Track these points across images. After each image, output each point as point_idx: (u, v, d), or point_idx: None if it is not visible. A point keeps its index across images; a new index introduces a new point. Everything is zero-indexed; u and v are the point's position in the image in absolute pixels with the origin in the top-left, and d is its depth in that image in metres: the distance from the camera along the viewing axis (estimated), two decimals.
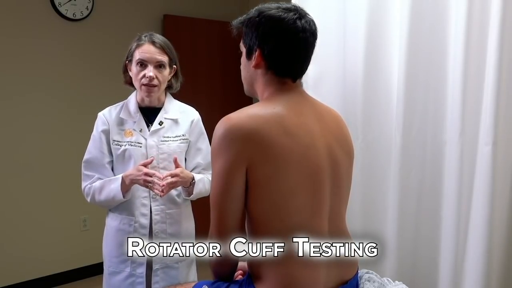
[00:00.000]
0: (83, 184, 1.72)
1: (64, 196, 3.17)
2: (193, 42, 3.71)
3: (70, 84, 3.20)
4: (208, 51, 3.81)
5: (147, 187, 1.61)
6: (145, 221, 1.69)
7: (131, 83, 1.75)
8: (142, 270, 1.70)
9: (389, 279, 1.31)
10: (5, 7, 2.92)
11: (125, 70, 1.74)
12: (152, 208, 1.70)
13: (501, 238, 1.57)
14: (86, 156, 1.72)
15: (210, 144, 1.11)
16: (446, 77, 1.66)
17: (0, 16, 2.91)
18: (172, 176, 1.60)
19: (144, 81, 1.65)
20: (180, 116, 1.77)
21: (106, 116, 1.73)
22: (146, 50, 1.66)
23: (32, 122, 3.07)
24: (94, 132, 1.73)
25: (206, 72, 3.80)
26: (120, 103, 1.77)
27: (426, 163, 1.74)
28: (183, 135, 1.75)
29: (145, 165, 1.60)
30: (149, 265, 1.72)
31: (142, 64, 1.66)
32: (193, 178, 1.70)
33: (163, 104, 1.75)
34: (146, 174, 1.58)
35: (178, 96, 1.85)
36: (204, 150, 1.81)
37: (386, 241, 1.78)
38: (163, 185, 1.57)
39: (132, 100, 1.75)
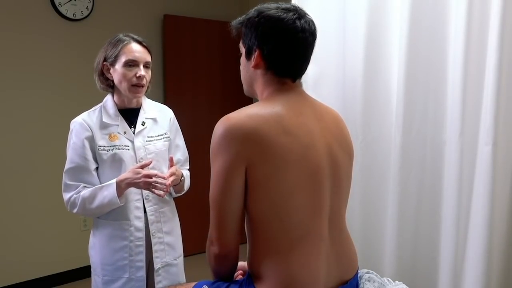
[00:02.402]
0: (67, 195, 1.63)
1: None
2: (193, 42, 3.71)
3: (70, 84, 3.20)
4: (208, 51, 3.80)
5: (147, 189, 1.59)
6: (140, 223, 1.67)
7: (109, 86, 1.69)
8: (142, 273, 1.67)
9: (389, 279, 1.31)
10: (5, 7, 2.92)
11: (101, 73, 1.67)
12: (146, 209, 1.69)
13: (501, 238, 1.57)
14: (68, 166, 1.64)
15: (210, 144, 1.10)
16: (446, 77, 1.66)
17: (0, 16, 2.91)
18: (171, 175, 1.62)
19: (135, 80, 1.61)
20: (158, 114, 1.77)
21: (88, 122, 1.64)
22: (136, 49, 1.62)
23: (32, 122, 3.07)
24: (75, 140, 1.63)
25: (206, 72, 3.80)
26: (96, 107, 1.71)
27: (426, 163, 1.74)
28: (165, 133, 1.76)
29: (142, 167, 1.58)
30: (148, 266, 1.71)
31: (132, 64, 1.61)
32: (182, 175, 1.72)
33: (141, 105, 1.73)
34: (146, 176, 1.56)
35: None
36: (181, 146, 1.84)
37: (386, 241, 1.79)
38: (169, 184, 1.58)
39: (110, 103, 1.69)
